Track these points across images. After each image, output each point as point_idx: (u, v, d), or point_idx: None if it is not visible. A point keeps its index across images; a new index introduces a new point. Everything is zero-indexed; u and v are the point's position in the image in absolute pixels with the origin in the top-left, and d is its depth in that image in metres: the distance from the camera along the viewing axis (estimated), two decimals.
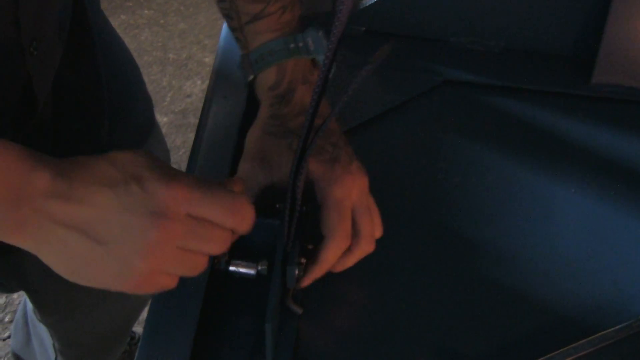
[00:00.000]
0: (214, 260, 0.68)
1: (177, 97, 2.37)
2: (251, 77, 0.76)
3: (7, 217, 0.52)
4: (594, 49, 0.94)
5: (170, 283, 0.56)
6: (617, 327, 0.70)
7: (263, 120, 0.74)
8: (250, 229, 0.58)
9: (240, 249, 0.68)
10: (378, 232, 0.72)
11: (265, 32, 0.75)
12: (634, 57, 0.93)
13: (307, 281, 0.70)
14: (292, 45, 0.75)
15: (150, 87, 2.34)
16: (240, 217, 0.57)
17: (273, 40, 0.75)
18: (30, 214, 0.52)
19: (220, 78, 0.89)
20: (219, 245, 0.56)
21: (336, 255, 0.69)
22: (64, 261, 0.54)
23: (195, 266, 0.56)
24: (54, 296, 1.00)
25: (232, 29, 0.77)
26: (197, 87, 2.40)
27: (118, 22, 2.59)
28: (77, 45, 0.81)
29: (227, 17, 0.76)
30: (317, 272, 0.69)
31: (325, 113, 0.70)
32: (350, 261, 0.71)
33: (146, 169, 0.54)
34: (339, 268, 0.71)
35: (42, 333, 1.18)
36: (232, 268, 0.68)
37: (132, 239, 0.52)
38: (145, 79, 1.08)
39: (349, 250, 0.71)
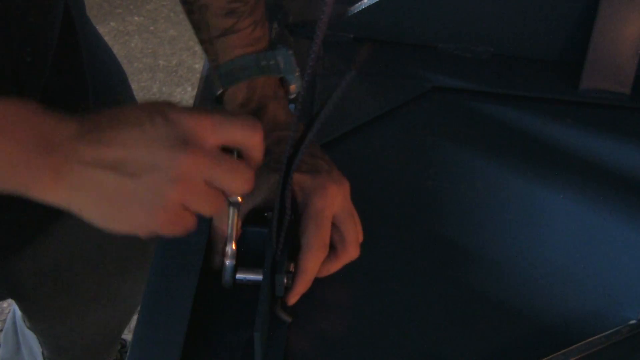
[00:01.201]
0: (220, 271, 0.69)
1: None
2: (219, 91, 0.75)
3: (43, 169, 0.54)
4: (582, 54, 0.94)
5: (193, 223, 0.58)
6: (607, 332, 0.70)
7: None
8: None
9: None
10: (360, 237, 0.73)
11: (237, 47, 0.75)
12: (621, 63, 0.93)
13: (293, 297, 0.70)
14: (263, 63, 0.75)
15: (140, 94, 2.35)
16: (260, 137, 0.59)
17: (244, 55, 0.75)
18: (62, 161, 0.54)
19: (209, 85, 0.88)
20: (242, 182, 0.58)
21: (315, 265, 0.69)
22: (98, 203, 0.55)
23: (215, 206, 0.59)
24: (45, 303, 1.00)
25: (201, 40, 0.76)
26: (188, 94, 2.39)
27: (108, 29, 2.58)
28: (64, 51, 0.81)
29: (197, 28, 0.76)
30: (300, 284, 0.69)
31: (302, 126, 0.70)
32: (335, 267, 0.71)
33: (168, 106, 0.56)
34: (324, 274, 0.71)
35: (30, 341, 1.17)
36: (239, 276, 0.69)
37: (162, 169, 0.55)
38: (135, 85, 1.08)
39: (334, 256, 0.71)
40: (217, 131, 0.57)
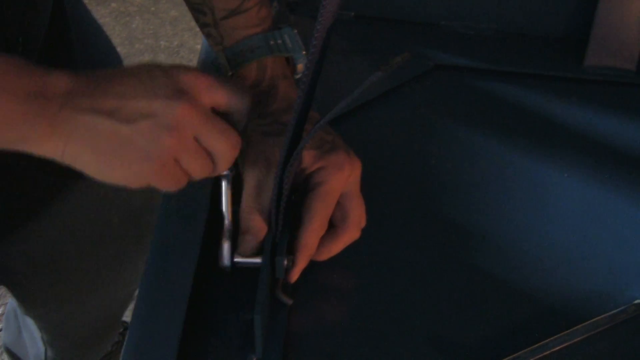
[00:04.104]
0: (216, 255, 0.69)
1: None
2: (228, 74, 0.75)
3: (37, 118, 0.54)
4: (586, 31, 0.93)
5: (184, 180, 0.60)
6: (612, 312, 0.70)
7: (253, 122, 0.73)
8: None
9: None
10: (364, 221, 0.72)
11: (244, 28, 0.74)
12: (625, 39, 0.92)
13: (295, 273, 0.69)
14: (271, 42, 0.75)
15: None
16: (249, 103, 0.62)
17: (252, 36, 0.74)
18: (56, 110, 0.55)
19: (209, 69, 0.87)
20: (230, 145, 0.60)
21: (317, 240, 0.69)
22: (92, 150, 0.56)
23: (203, 168, 0.60)
24: (39, 291, 1.00)
25: (204, 24, 0.75)
26: None
27: (109, 10, 2.57)
28: (55, 40, 0.80)
29: (199, 12, 0.75)
30: (301, 260, 0.69)
31: (313, 115, 0.69)
32: (337, 247, 0.71)
33: (166, 64, 0.59)
34: (325, 255, 0.70)
35: (30, 325, 1.17)
36: (237, 259, 0.69)
37: (158, 116, 0.56)
38: None
39: (335, 235, 0.70)
40: (210, 90, 0.59)
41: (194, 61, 2.41)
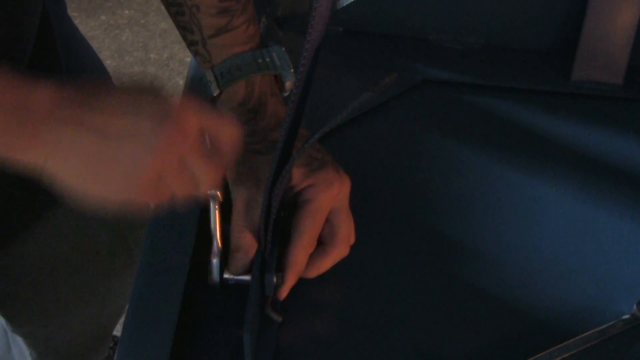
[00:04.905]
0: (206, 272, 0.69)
1: None
2: (216, 92, 0.75)
3: (21, 127, 0.54)
4: (574, 45, 0.93)
5: (167, 197, 0.60)
6: (601, 327, 0.70)
7: (242, 139, 0.73)
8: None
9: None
10: (352, 238, 0.72)
11: (232, 46, 0.74)
12: (613, 53, 0.92)
13: (284, 290, 0.69)
14: (260, 60, 0.74)
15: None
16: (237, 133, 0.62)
17: (240, 54, 0.74)
18: (40, 120, 0.54)
19: (197, 87, 0.87)
20: (212, 173, 0.60)
21: (305, 257, 0.69)
22: (75, 162, 0.56)
23: (186, 188, 0.60)
24: (27, 308, 0.99)
25: (192, 42, 0.75)
26: (180, 87, 2.38)
27: (98, 22, 2.57)
28: (42, 53, 0.80)
29: (187, 30, 0.75)
30: (290, 277, 0.69)
31: (302, 132, 0.69)
32: (326, 264, 0.71)
33: (158, 87, 0.58)
34: (314, 272, 0.71)
35: (19, 342, 1.16)
36: (227, 276, 0.69)
37: (144, 137, 0.56)
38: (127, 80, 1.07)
39: (323, 252, 0.70)
40: (200, 115, 0.58)
41: (183, 73, 2.41)
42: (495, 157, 0.86)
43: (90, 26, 2.52)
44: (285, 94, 0.77)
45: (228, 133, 0.61)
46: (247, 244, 0.68)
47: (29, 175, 0.57)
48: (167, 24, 2.58)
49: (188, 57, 2.46)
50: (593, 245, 0.77)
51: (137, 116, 0.56)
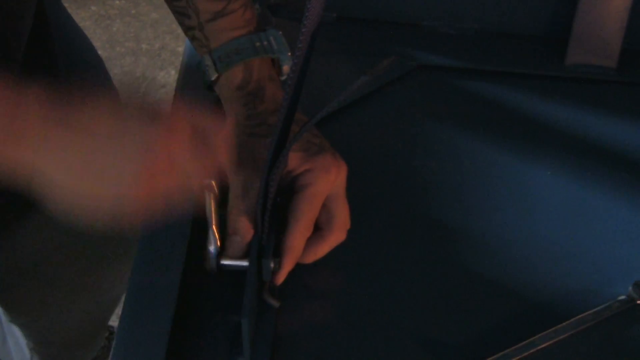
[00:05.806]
0: (203, 259, 0.69)
1: (152, 88, 2.35)
2: (215, 76, 0.75)
3: (8, 127, 0.54)
4: (567, 29, 0.93)
5: (160, 192, 0.59)
6: (597, 308, 0.70)
7: (241, 123, 0.73)
8: None
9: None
10: (349, 223, 0.72)
11: (229, 30, 0.74)
12: (606, 37, 0.92)
13: (281, 276, 0.69)
14: (257, 44, 0.75)
15: (123, 79, 2.32)
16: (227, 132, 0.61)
17: (238, 38, 0.74)
18: (28, 120, 0.54)
19: (192, 73, 0.87)
20: (202, 166, 0.60)
21: (302, 242, 0.69)
22: (64, 158, 0.55)
23: (176, 182, 0.59)
24: (24, 298, 0.99)
25: (189, 28, 0.75)
26: (172, 77, 2.37)
27: (89, 13, 2.56)
28: (37, 44, 0.80)
29: (184, 15, 0.75)
30: (287, 262, 0.69)
31: (299, 117, 0.70)
32: (323, 250, 0.71)
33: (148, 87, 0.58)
34: (311, 258, 0.70)
35: (15, 332, 1.16)
36: (224, 262, 0.69)
37: (133, 135, 0.56)
38: (118, 70, 1.07)
39: (320, 237, 0.70)
40: (190, 112, 0.59)
41: (175, 63, 2.40)
42: (491, 141, 0.86)
43: (80, 17, 2.51)
44: (283, 78, 0.77)
45: (219, 129, 0.61)
46: (245, 227, 0.68)
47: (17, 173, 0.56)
48: (158, 14, 2.58)
49: (180, 47, 2.45)
50: (589, 227, 0.78)
51: (125, 115, 0.56)
